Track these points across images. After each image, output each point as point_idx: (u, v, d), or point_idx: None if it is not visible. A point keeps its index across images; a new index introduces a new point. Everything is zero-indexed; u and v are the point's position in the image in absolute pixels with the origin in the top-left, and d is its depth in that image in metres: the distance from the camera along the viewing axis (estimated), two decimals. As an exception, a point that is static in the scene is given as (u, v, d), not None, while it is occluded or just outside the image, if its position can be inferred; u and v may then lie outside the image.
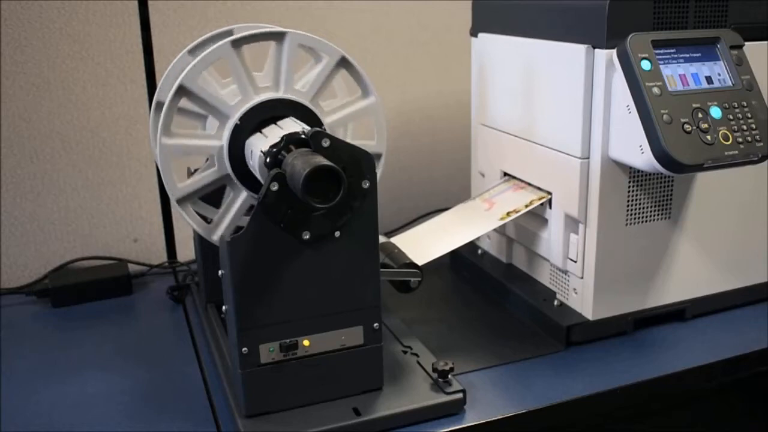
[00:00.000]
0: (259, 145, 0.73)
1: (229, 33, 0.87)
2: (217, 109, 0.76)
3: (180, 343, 0.95)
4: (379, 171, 0.83)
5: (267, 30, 0.77)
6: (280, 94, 0.77)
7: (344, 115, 0.82)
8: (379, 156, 0.85)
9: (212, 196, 0.80)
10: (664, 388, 0.85)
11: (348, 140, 0.74)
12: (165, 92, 0.82)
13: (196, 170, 0.87)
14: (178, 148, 0.76)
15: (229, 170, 0.77)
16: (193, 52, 0.87)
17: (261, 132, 0.76)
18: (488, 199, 1.01)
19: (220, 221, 0.79)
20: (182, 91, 0.75)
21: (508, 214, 0.94)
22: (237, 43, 0.75)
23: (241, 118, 0.76)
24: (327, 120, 0.80)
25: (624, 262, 0.90)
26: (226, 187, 0.80)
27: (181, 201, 0.77)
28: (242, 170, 0.77)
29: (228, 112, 0.76)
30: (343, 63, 0.80)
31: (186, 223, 0.78)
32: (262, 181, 0.72)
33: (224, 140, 0.76)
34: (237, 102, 0.76)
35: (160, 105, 0.83)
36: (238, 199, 0.79)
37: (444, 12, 1.29)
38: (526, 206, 0.94)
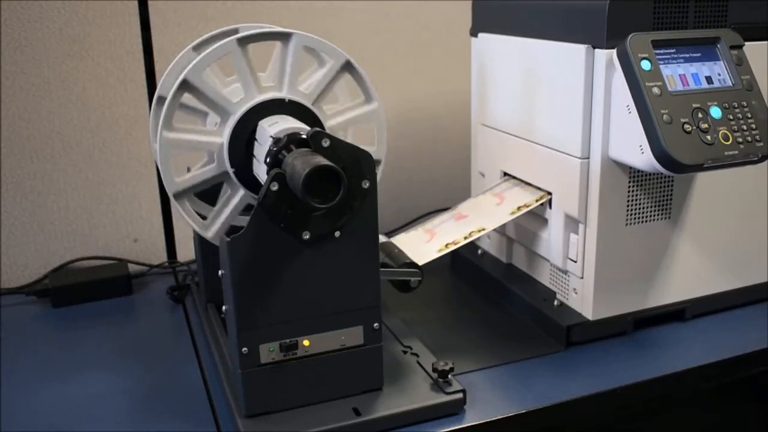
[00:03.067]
0: (270, 131, 0.73)
1: (235, 31, 0.87)
2: (220, 106, 0.76)
3: (180, 343, 0.95)
4: (378, 176, 0.84)
5: (274, 30, 0.78)
6: (283, 95, 0.77)
7: (346, 120, 0.82)
8: (378, 162, 0.85)
9: (209, 194, 0.81)
10: (664, 388, 0.85)
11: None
12: (167, 88, 0.82)
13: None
14: (179, 143, 0.76)
15: (228, 168, 0.77)
16: (197, 48, 0.87)
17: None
18: (499, 193, 1.00)
19: (216, 218, 0.79)
20: (186, 85, 0.75)
21: (518, 208, 0.94)
22: (243, 41, 0.76)
23: (243, 116, 0.76)
24: (328, 123, 0.80)
25: (624, 262, 0.90)
26: (222, 184, 0.80)
27: (178, 196, 0.77)
28: (241, 168, 0.77)
29: (230, 109, 0.76)
30: (348, 67, 0.80)
31: (185, 221, 0.78)
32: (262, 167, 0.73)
33: (225, 137, 0.76)
34: (240, 100, 0.76)
35: (161, 99, 0.83)
36: (235, 197, 0.79)
37: (444, 12, 1.29)
38: (537, 200, 0.93)
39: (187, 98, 0.78)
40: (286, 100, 0.77)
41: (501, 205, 0.97)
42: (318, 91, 0.79)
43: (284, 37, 0.77)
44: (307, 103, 0.78)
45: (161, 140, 0.75)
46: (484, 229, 0.93)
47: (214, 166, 0.78)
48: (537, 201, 0.94)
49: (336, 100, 0.88)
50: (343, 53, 0.79)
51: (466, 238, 0.92)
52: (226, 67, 0.80)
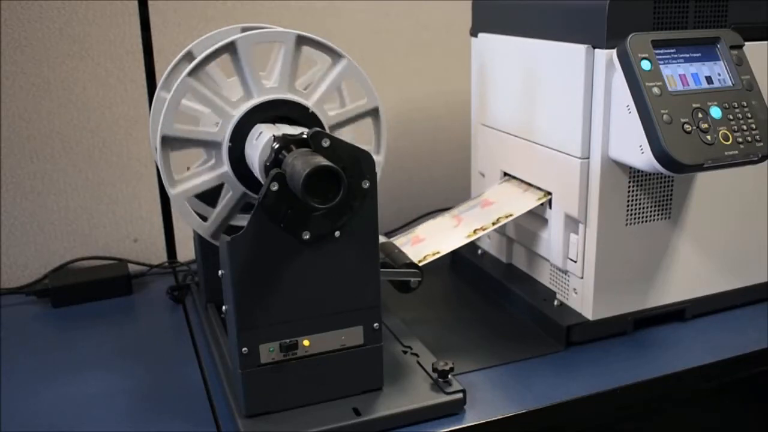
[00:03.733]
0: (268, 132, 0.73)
1: (237, 30, 0.87)
2: (219, 106, 0.76)
3: (180, 343, 0.95)
4: (378, 176, 0.84)
5: (275, 30, 0.78)
6: (284, 95, 0.77)
7: (346, 120, 0.82)
8: (378, 162, 0.85)
9: (209, 194, 0.81)
10: (664, 388, 0.85)
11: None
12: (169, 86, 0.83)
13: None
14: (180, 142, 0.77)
15: (228, 167, 0.77)
16: (190, 56, 0.87)
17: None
18: (457, 215, 1.01)
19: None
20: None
21: (475, 231, 0.94)
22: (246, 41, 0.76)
23: (243, 116, 0.76)
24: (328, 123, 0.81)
25: (624, 262, 0.90)
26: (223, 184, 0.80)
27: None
28: (240, 168, 0.78)
29: (230, 109, 0.77)
30: (349, 69, 0.80)
31: (185, 221, 0.78)
32: (258, 167, 0.73)
33: (225, 137, 0.77)
34: (239, 99, 0.77)
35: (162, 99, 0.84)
36: (229, 194, 0.79)
37: (444, 12, 1.29)
38: (493, 224, 0.94)
39: (187, 99, 0.78)
40: (286, 101, 0.77)
41: (527, 192, 0.98)
42: (320, 93, 0.79)
43: (283, 36, 0.78)
44: (308, 103, 0.78)
45: (161, 135, 0.75)
46: (511, 215, 0.94)
47: (213, 164, 0.78)
48: (506, 218, 0.95)
49: (335, 100, 0.89)
50: (346, 55, 0.80)
51: (494, 224, 0.93)
52: (227, 68, 0.80)
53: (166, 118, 0.75)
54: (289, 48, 0.77)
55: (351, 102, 0.84)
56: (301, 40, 0.78)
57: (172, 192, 0.77)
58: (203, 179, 0.78)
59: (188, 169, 0.91)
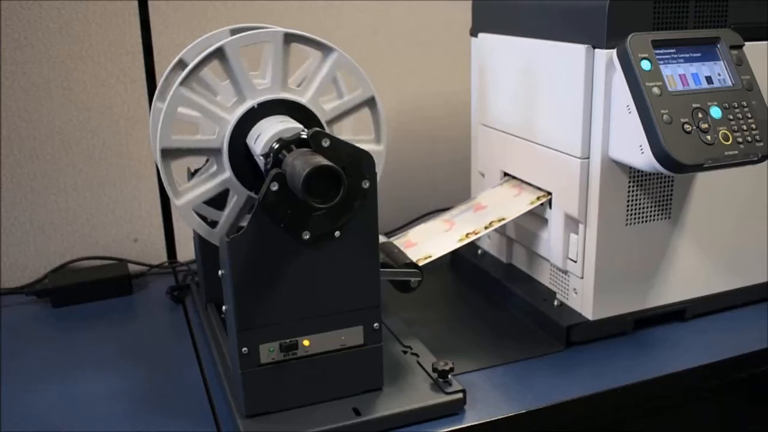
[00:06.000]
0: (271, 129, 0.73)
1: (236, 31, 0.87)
2: (213, 113, 0.76)
3: (180, 343, 0.95)
4: (378, 175, 0.83)
5: (261, 30, 0.77)
6: (281, 95, 0.77)
7: (343, 113, 0.82)
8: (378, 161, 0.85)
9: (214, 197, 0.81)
10: (664, 388, 0.85)
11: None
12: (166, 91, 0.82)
13: (197, 170, 0.88)
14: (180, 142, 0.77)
15: (229, 170, 0.77)
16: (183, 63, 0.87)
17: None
18: (517, 185, 1.01)
19: (193, 188, 0.79)
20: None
21: (467, 235, 0.94)
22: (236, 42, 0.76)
23: (240, 119, 0.76)
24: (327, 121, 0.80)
25: (624, 262, 0.90)
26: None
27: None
28: (242, 170, 0.78)
29: (226, 114, 0.77)
30: (340, 61, 0.80)
31: (184, 221, 0.78)
32: (260, 160, 0.73)
33: (225, 140, 0.77)
34: (234, 102, 0.76)
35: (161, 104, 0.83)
36: (235, 198, 0.79)
37: (444, 12, 1.29)
38: (486, 228, 0.93)
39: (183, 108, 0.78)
40: (281, 100, 0.77)
41: (519, 196, 0.97)
42: (313, 89, 0.79)
43: (275, 36, 0.77)
44: (306, 103, 0.78)
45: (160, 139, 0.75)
46: (504, 219, 0.93)
47: (215, 170, 0.78)
48: (498, 222, 0.95)
49: (332, 93, 0.88)
50: (343, 53, 0.80)
51: (486, 228, 0.93)
52: (221, 71, 0.80)
53: (163, 130, 0.75)
54: (277, 47, 0.77)
55: (349, 93, 0.84)
56: (289, 38, 0.77)
57: (177, 203, 0.76)
58: (207, 187, 0.78)
59: (189, 170, 0.91)
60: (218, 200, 0.80)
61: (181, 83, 0.75)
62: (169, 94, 0.75)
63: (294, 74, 0.82)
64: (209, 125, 0.83)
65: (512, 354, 0.89)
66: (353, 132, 0.84)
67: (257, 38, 0.77)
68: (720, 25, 0.87)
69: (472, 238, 0.92)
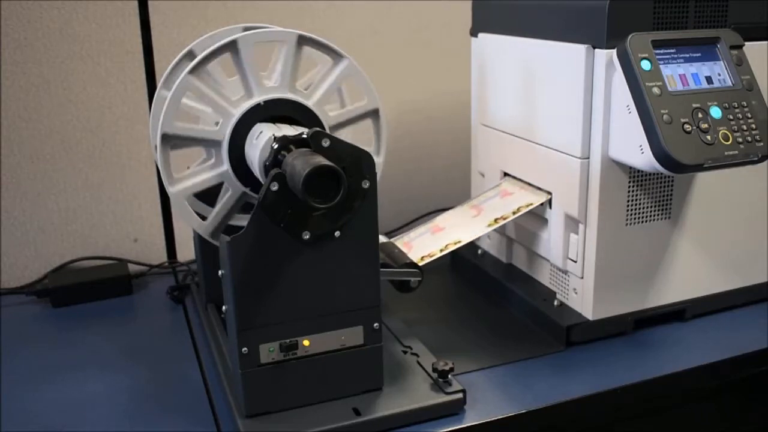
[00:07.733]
0: (268, 132, 0.73)
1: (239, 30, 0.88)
2: (220, 105, 0.76)
3: (180, 343, 0.95)
4: (378, 175, 0.84)
5: (276, 29, 0.78)
6: (285, 95, 0.77)
7: (346, 121, 0.82)
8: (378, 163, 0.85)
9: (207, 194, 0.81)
10: (664, 388, 0.85)
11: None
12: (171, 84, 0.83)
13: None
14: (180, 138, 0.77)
15: (227, 166, 0.77)
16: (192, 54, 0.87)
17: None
18: (476, 205, 1.01)
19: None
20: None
21: (495, 220, 0.94)
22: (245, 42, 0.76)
23: (244, 115, 0.76)
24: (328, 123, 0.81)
25: (624, 262, 0.90)
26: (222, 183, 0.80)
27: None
28: (240, 167, 0.78)
29: (231, 108, 0.77)
30: (350, 69, 0.80)
31: (185, 221, 0.78)
32: (256, 167, 0.73)
33: (226, 135, 0.77)
34: (239, 98, 0.77)
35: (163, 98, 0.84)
36: (228, 193, 0.80)
37: (444, 12, 1.29)
38: (514, 213, 0.94)
39: (188, 98, 0.78)
40: (287, 100, 0.77)
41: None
42: (320, 93, 0.79)
43: (286, 36, 0.78)
44: (308, 103, 0.78)
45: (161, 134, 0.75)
46: (532, 204, 0.94)
47: (212, 163, 0.78)
48: (526, 207, 0.95)
49: (335, 101, 0.89)
50: (348, 56, 0.80)
51: (514, 213, 0.94)
52: (228, 68, 0.80)
53: (166, 115, 0.75)
54: (290, 48, 0.78)
55: (351, 103, 0.84)
56: (303, 40, 0.78)
57: (171, 190, 0.77)
58: (203, 178, 0.78)
59: (188, 168, 0.91)
60: (210, 197, 0.81)
61: (191, 72, 0.75)
62: (177, 81, 0.75)
63: (300, 80, 0.82)
64: (210, 119, 0.84)
65: (512, 354, 0.89)
66: (353, 142, 0.85)
67: (272, 36, 0.77)
68: (720, 25, 0.87)
69: (501, 223, 0.93)
